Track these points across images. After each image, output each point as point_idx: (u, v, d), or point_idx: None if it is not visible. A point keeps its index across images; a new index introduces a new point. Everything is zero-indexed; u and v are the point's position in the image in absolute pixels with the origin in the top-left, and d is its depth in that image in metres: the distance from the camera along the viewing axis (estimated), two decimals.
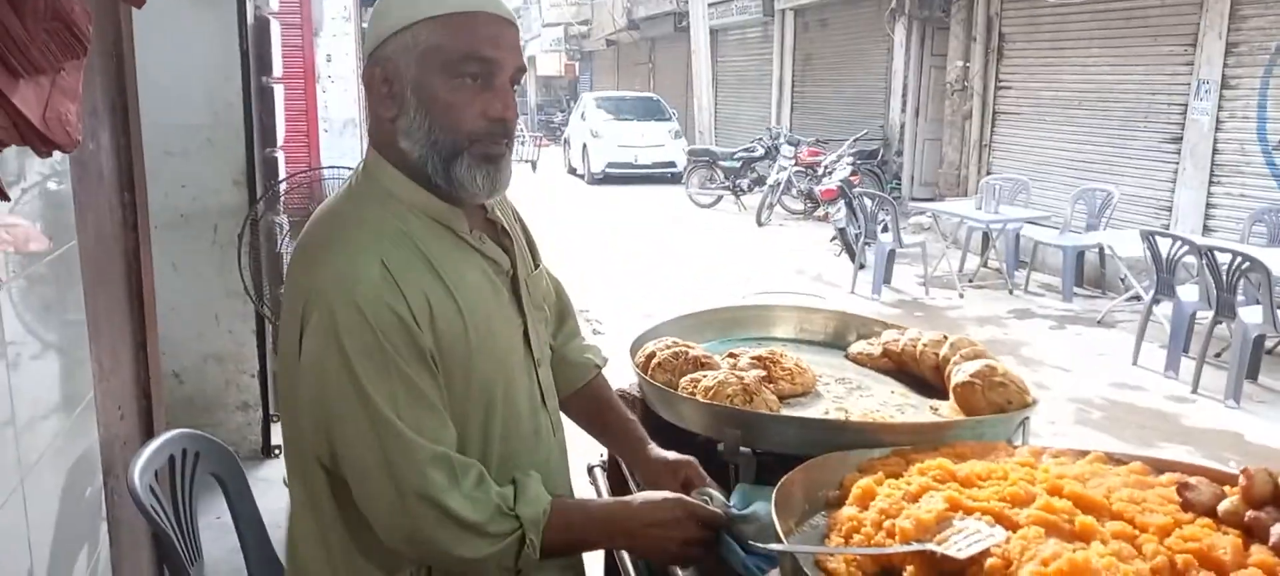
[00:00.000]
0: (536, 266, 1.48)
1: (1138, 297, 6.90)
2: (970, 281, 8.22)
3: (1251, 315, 5.14)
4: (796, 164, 12.14)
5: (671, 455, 1.48)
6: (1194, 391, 5.38)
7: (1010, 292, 7.88)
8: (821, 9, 14.42)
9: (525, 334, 1.37)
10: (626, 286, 8.16)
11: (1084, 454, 1.43)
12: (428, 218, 1.26)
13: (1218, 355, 5.70)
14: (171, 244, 3.95)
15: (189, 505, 2.02)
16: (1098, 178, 8.59)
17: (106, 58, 2.02)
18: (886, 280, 7.92)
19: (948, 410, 1.70)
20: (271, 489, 3.74)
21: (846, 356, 1.99)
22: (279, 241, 4.29)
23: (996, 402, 1.64)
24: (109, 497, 1.96)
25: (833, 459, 1.36)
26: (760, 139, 14.17)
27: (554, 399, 1.47)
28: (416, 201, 1.26)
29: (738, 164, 13.74)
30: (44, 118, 1.07)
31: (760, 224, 11.72)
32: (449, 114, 1.22)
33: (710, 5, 16.75)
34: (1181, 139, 7.87)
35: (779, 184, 12.15)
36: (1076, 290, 7.72)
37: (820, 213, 11.67)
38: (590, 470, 1.94)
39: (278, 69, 4.58)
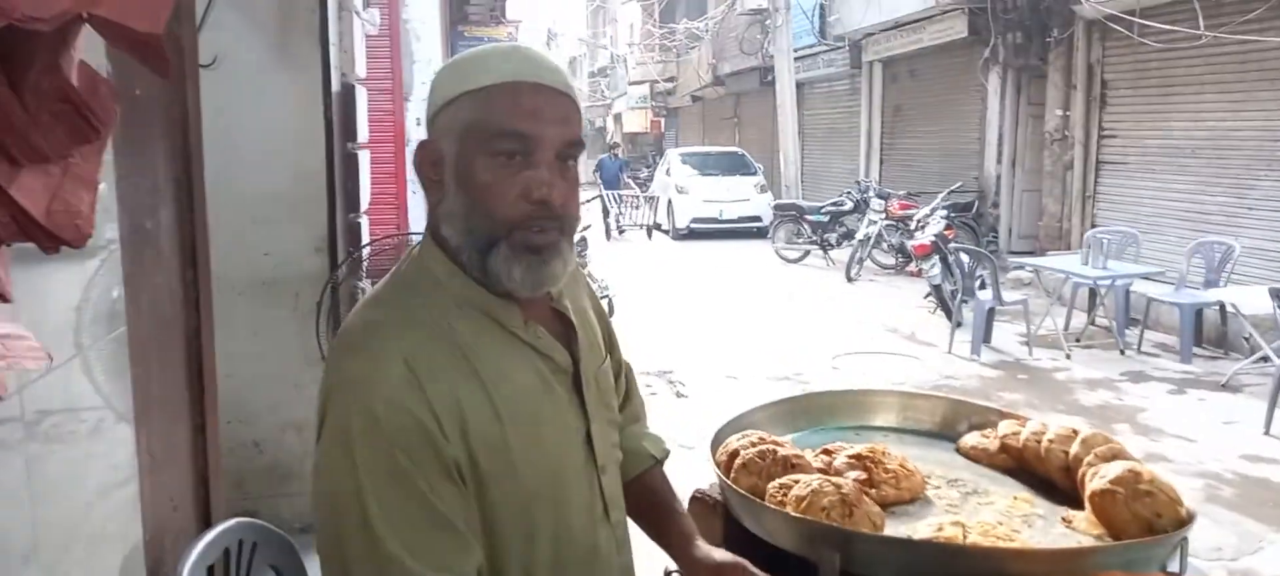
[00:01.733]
0: (608, 356, 1.35)
1: (1266, 359, 6.36)
2: (1077, 341, 7.75)
3: None
4: (887, 217, 11.80)
5: (718, 554, 1.29)
6: None
7: (1122, 353, 7.39)
8: (911, 60, 14.12)
9: (587, 437, 1.24)
10: (711, 346, 7.95)
11: None
12: (475, 310, 1.14)
13: None
14: (252, 312, 3.94)
15: None
16: (1215, 230, 8.06)
17: (171, 131, 1.96)
18: (986, 340, 7.52)
19: (1082, 521, 1.46)
20: None
21: (957, 450, 1.76)
22: None
23: (1143, 516, 1.40)
24: None
25: None
26: (848, 192, 13.86)
27: (620, 509, 1.32)
28: (462, 292, 1.14)
29: (825, 218, 13.45)
30: (49, 210, 0.96)
31: (850, 279, 11.39)
32: (485, 196, 1.10)
33: (796, 59, 16.62)
34: None
35: (869, 238, 11.81)
36: (1196, 350, 7.19)
37: (912, 268, 11.27)
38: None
39: (363, 135, 4.58)
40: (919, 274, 10.39)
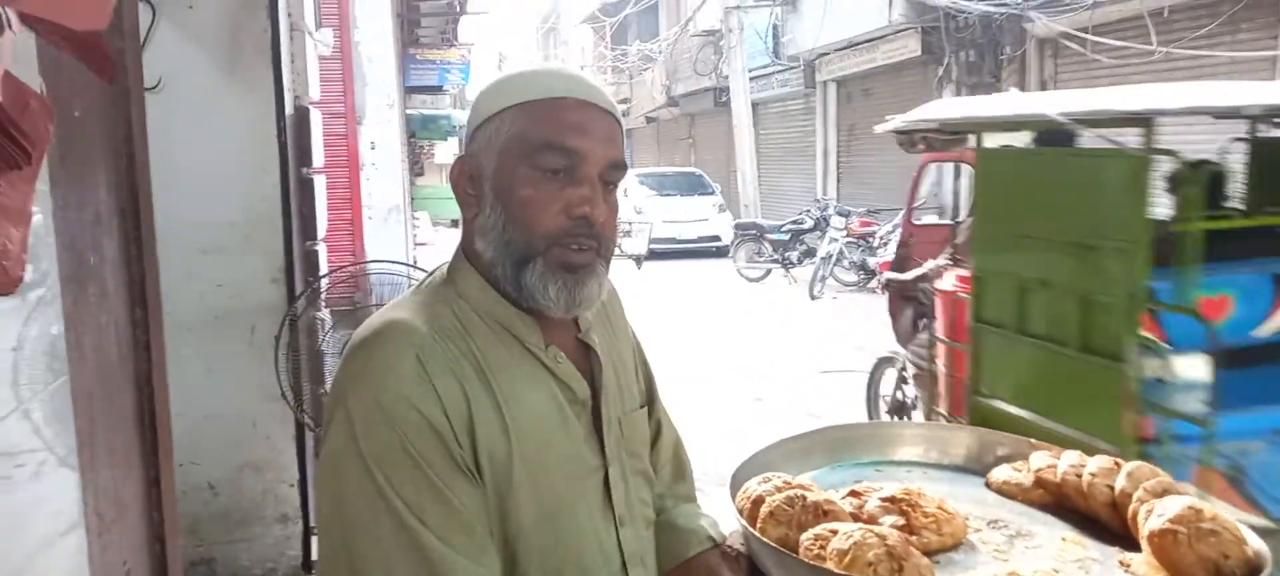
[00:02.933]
0: (641, 406, 1.28)
1: None
2: None
3: None
4: (848, 235, 11.81)
5: None
6: None
7: None
8: (865, 79, 14.24)
9: (605, 482, 1.16)
10: (677, 368, 7.82)
11: None
12: (496, 323, 1.11)
13: None
14: (206, 346, 3.72)
15: None
16: None
17: (114, 156, 1.78)
18: None
19: (1142, 565, 1.33)
20: None
21: (988, 486, 1.63)
22: (321, 337, 4.05)
23: (1209, 557, 1.28)
24: None
25: None
26: (808, 210, 13.89)
27: (647, 571, 1.22)
28: (485, 305, 1.12)
29: (786, 236, 13.44)
30: None
31: (813, 297, 11.37)
32: (525, 210, 1.07)
33: (751, 79, 16.67)
34: None
35: (831, 256, 11.82)
36: None
37: (874, 284, 11.29)
38: None
39: (319, 159, 4.39)
40: (883, 290, 10.40)
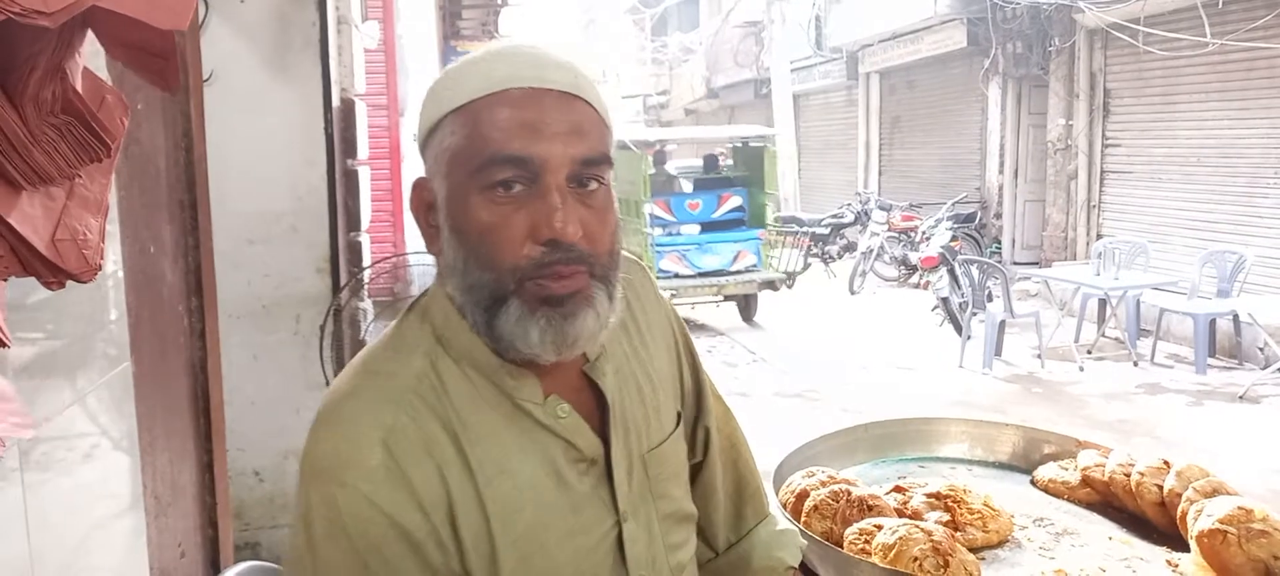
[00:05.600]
0: (673, 431, 1.05)
1: None
2: (1089, 353, 7.64)
3: None
4: (889, 229, 11.69)
5: None
6: None
7: (1135, 365, 7.28)
8: (909, 70, 14.05)
9: (619, 541, 0.96)
10: (717, 363, 7.81)
11: None
12: (481, 379, 0.91)
13: None
14: (252, 335, 3.79)
15: None
16: (1223, 239, 7.97)
17: (174, 150, 1.83)
18: (997, 353, 7.40)
19: (1191, 565, 1.32)
20: None
21: (1033, 483, 1.63)
22: (363, 328, 4.12)
23: (1259, 558, 1.27)
24: None
25: None
26: (849, 204, 13.76)
27: None
28: (469, 355, 0.91)
29: (826, 230, 13.33)
30: (53, 240, 0.82)
31: (852, 292, 11.27)
32: (484, 243, 0.86)
33: (792, 71, 16.55)
34: None
35: (872, 250, 11.70)
36: (1210, 361, 7.07)
37: (916, 280, 11.17)
38: None
39: (363, 151, 4.45)
40: (925, 286, 10.28)
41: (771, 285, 9.37)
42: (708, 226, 9.60)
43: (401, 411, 0.87)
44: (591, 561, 0.93)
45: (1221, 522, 1.31)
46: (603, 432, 0.96)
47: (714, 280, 9.14)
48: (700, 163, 11.45)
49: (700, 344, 8.73)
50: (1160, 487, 1.46)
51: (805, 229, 11.68)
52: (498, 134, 0.85)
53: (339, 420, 0.88)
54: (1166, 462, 1.50)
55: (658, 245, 9.14)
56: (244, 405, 3.65)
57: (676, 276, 9.11)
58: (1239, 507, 1.32)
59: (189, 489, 1.87)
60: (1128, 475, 1.51)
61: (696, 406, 1.16)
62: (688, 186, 10.38)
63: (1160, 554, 1.37)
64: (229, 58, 3.60)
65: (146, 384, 1.59)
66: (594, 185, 0.89)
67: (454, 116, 0.88)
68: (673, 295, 8.90)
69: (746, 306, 9.74)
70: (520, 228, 0.86)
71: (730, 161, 11.04)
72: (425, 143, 0.92)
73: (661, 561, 1.00)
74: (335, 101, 3.93)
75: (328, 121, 3.84)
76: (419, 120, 0.94)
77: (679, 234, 9.46)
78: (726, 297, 9.50)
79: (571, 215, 0.86)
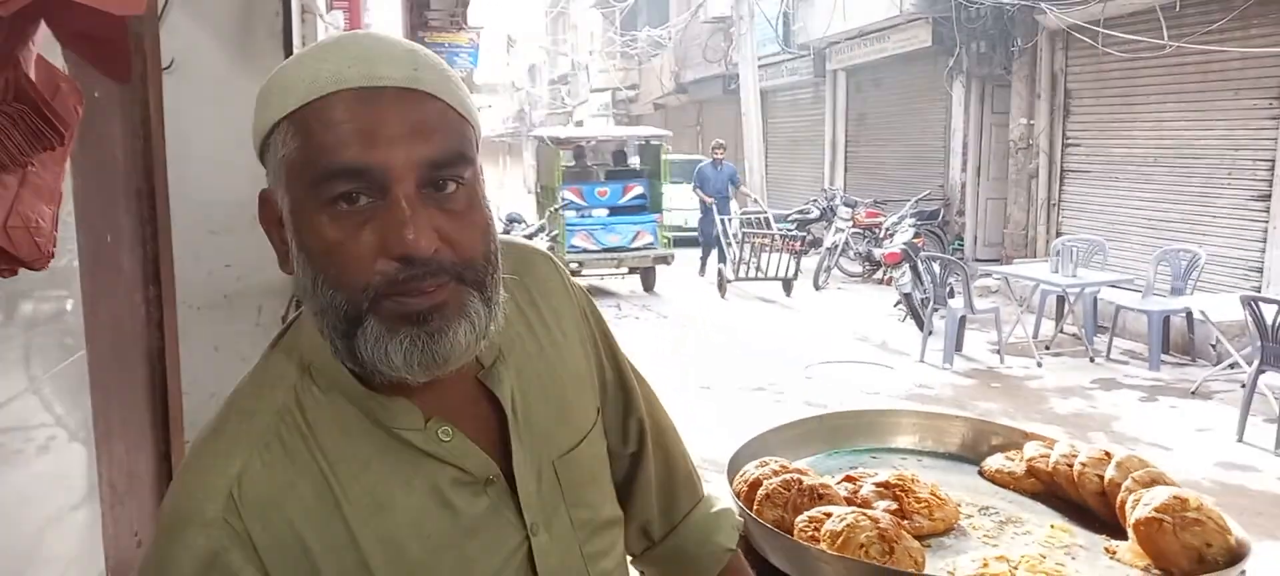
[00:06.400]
0: (589, 431, 0.99)
1: (1235, 366, 6.42)
2: (1047, 348, 7.78)
3: None
4: (854, 226, 11.81)
5: None
6: None
7: (1091, 360, 7.43)
8: (875, 68, 14.19)
9: (529, 557, 0.89)
10: (681, 356, 7.86)
11: None
12: (352, 408, 0.83)
13: None
14: (214, 326, 3.76)
15: None
16: (1180, 238, 8.15)
17: (132, 137, 1.82)
18: (958, 348, 7.51)
19: (1127, 553, 1.37)
20: None
21: (981, 474, 1.67)
22: None
23: (1193, 545, 1.31)
24: None
25: None
26: (815, 200, 13.88)
27: None
28: (339, 381, 0.83)
29: (792, 226, 13.42)
30: (4, 227, 0.82)
31: (817, 288, 11.36)
32: (332, 262, 0.77)
33: (760, 67, 16.63)
34: (1270, 196, 7.42)
35: (836, 247, 11.81)
36: (1163, 358, 7.24)
37: (880, 276, 11.29)
38: None
39: None
40: (888, 282, 10.40)
41: (664, 260, 11.31)
42: (615, 210, 11.76)
43: (255, 455, 0.80)
44: None
45: (1157, 511, 1.35)
46: (503, 444, 0.89)
47: (616, 254, 11.15)
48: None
49: (608, 310, 8.76)
50: (1101, 477, 1.51)
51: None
52: (331, 143, 0.76)
53: (192, 466, 0.82)
54: (1107, 453, 1.54)
55: (570, 225, 11.16)
56: (204, 396, 3.60)
57: (585, 251, 11.05)
58: (1175, 497, 1.37)
59: (146, 478, 1.86)
60: (1070, 465, 1.55)
61: (623, 397, 1.10)
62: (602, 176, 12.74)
63: (1100, 541, 1.42)
64: (190, 46, 3.56)
65: (102, 372, 1.58)
66: (452, 187, 0.80)
67: (286, 123, 0.79)
68: (582, 265, 10.84)
69: (646, 277, 11.67)
70: (369, 243, 0.77)
71: (637, 158, 13.41)
72: (262, 151, 0.83)
73: (580, 572, 0.94)
74: None
75: None
76: (254, 121, 0.85)
77: (589, 216, 11.54)
78: (630, 270, 11.49)
79: (423, 225, 0.76)
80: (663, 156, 12.12)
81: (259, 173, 2.58)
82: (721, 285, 11.14)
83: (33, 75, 0.86)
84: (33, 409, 1.38)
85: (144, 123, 1.87)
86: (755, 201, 13.27)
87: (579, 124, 35.46)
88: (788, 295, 10.61)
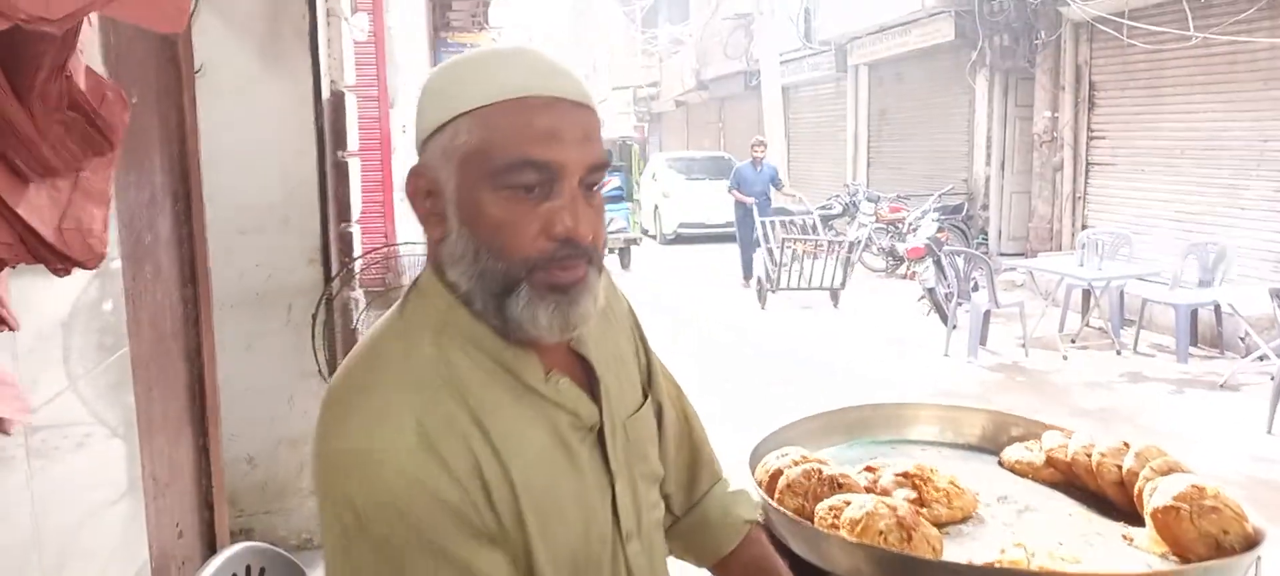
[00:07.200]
0: (645, 400, 1.15)
1: (1264, 358, 6.36)
2: (1073, 342, 7.73)
3: None
4: (877, 221, 11.77)
5: None
6: None
7: (1118, 354, 7.37)
8: (897, 63, 14.12)
9: (613, 502, 1.05)
10: (707, 354, 7.88)
11: None
12: (488, 360, 0.97)
13: None
14: (245, 324, 3.84)
15: None
16: (1208, 230, 8.07)
17: (167, 141, 1.87)
18: (982, 342, 7.49)
19: (1145, 540, 1.39)
20: None
21: (1000, 464, 1.69)
22: (355, 318, 4.17)
23: (1210, 533, 1.33)
24: None
25: None
26: (837, 196, 13.83)
27: None
28: (472, 339, 0.97)
29: (815, 222, 13.39)
30: (60, 229, 0.87)
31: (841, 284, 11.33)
32: (499, 236, 0.93)
33: (781, 63, 16.60)
34: None
35: (860, 242, 11.77)
36: (1191, 351, 7.17)
37: (903, 271, 11.25)
38: None
39: (353, 142, 4.49)
40: (912, 277, 10.35)
41: (635, 242, 13.29)
42: None
43: (423, 393, 0.93)
44: (597, 520, 1.02)
45: (1175, 499, 1.37)
46: (594, 401, 1.05)
47: None
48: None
49: None
50: (1119, 467, 1.53)
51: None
52: (521, 140, 0.92)
53: (365, 407, 0.92)
54: (1126, 443, 1.56)
55: None
56: (237, 393, 3.69)
57: None
58: (1192, 485, 1.39)
59: (186, 471, 1.92)
60: (1089, 455, 1.57)
61: (649, 385, 1.23)
62: None
63: (1117, 529, 1.44)
64: (219, 50, 3.64)
65: (144, 368, 1.63)
66: (595, 189, 0.98)
67: (468, 117, 0.93)
68: None
69: (623, 256, 13.13)
70: (535, 224, 0.93)
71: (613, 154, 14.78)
72: (430, 137, 0.97)
73: (644, 518, 1.09)
74: (325, 93, 3.98)
75: (318, 113, 3.88)
76: (421, 115, 0.99)
77: None
78: (609, 250, 12.23)
79: (583, 217, 0.94)
80: (634, 154, 14.90)
81: (286, 176, 2.67)
82: (761, 294, 10.09)
83: (83, 85, 0.91)
84: (77, 405, 1.43)
85: (179, 126, 1.92)
86: (800, 200, 12.10)
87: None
88: (835, 306, 9.62)
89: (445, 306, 0.98)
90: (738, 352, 7.93)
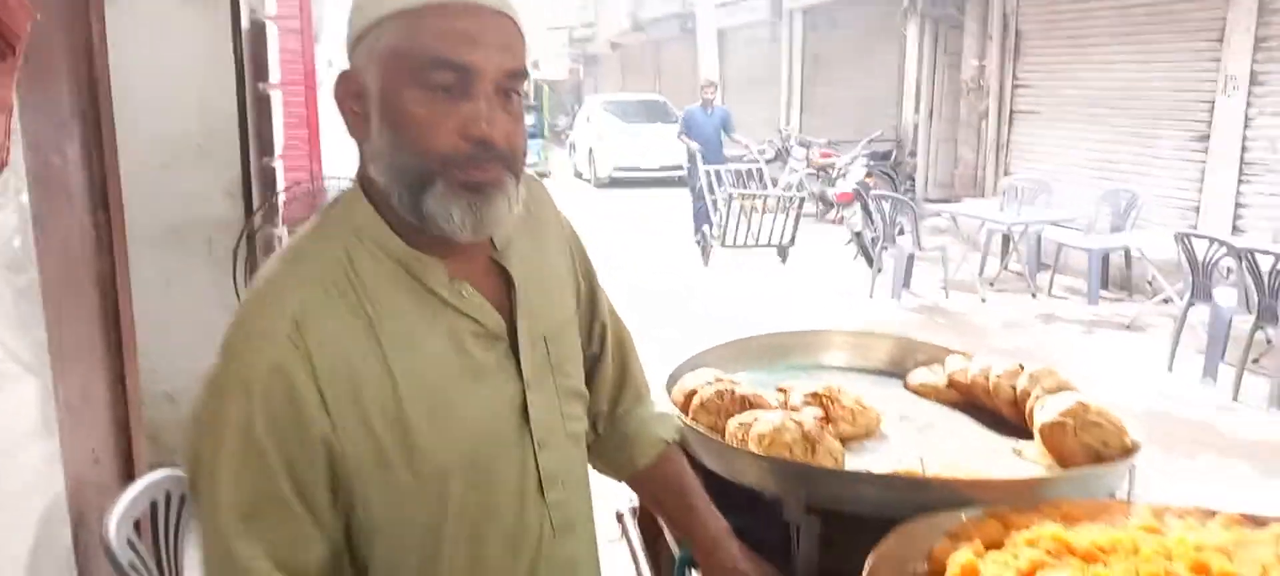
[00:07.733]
0: (570, 321, 1.21)
1: (1168, 301, 6.66)
2: (991, 285, 7.99)
3: None
4: (809, 167, 11.90)
5: (748, 562, 1.25)
6: (1234, 400, 5.15)
7: (1033, 296, 7.65)
8: (831, 8, 14.20)
9: (523, 406, 1.09)
10: (639, 293, 7.94)
11: (1211, 514, 1.22)
12: (392, 263, 1.02)
13: (1256, 361, 5.46)
14: (164, 259, 3.76)
15: (174, 554, 1.83)
16: (1122, 178, 8.36)
17: (74, 60, 1.82)
18: (906, 284, 7.68)
19: (1033, 452, 1.48)
20: None
21: (906, 387, 1.77)
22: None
23: (1091, 445, 1.42)
24: (80, 553, 1.75)
25: (919, 527, 1.14)
26: (770, 141, 13.92)
27: (565, 488, 1.14)
28: (380, 243, 1.02)
29: (748, 167, 13.48)
30: None
31: None
32: (416, 132, 0.97)
33: (717, 6, 16.53)
34: (1209, 137, 7.63)
35: (791, 187, 11.90)
36: (1102, 293, 7.47)
37: (833, 216, 11.43)
38: (619, 517, 1.72)
39: (275, 75, 4.37)
40: (840, 221, 10.51)
41: (546, 175, 13.82)
42: None
43: (315, 293, 0.97)
44: (498, 419, 1.06)
45: (1061, 415, 1.46)
46: (510, 312, 1.09)
47: None
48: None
49: None
50: (1014, 388, 1.62)
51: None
52: (440, 41, 0.96)
53: (259, 296, 0.99)
54: (1021, 366, 1.65)
55: None
56: (156, 328, 3.61)
57: None
58: (1078, 402, 1.48)
59: (101, 399, 1.90)
60: (987, 377, 1.66)
61: (592, 305, 1.30)
62: None
63: (1009, 444, 1.53)
64: None
65: (54, 294, 1.61)
66: (514, 96, 1.02)
67: (392, 20, 0.97)
68: None
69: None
70: (451, 122, 0.97)
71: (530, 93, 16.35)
72: (359, 40, 1.01)
73: (559, 427, 1.14)
74: (244, 23, 3.86)
75: (237, 43, 3.77)
76: (350, 24, 1.03)
77: None
78: None
79: (497, 122, 0.98)
80: (546, 93, 17.96)
81: (203, 108, 2.63)
82: (704, 250, 9.52)
83: None
84: None
85: (87, 46, 1.87)
86: (747, 148, 10.97)
87: (535, 65, 35.14)
88: (783, 263, 8.82)
89: (361, 213, 1.03)
90: (678, 301, 8.00)
